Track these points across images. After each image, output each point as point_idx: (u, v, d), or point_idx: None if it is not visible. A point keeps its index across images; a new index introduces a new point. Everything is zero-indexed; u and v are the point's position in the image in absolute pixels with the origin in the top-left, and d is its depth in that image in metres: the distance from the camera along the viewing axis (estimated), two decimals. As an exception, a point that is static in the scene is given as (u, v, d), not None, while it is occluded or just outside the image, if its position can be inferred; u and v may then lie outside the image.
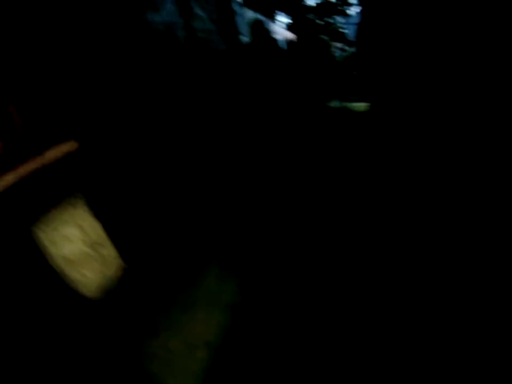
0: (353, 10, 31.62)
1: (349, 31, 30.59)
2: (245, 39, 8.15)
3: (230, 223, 2.90)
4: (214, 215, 3.15)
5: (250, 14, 8.53)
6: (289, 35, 13.15)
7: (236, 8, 7.61)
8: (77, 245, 1.99)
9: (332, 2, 30.56)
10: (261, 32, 5.41)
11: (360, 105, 7.99)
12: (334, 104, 8.85)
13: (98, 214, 2.26)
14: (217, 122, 5.57)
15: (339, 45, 16.68)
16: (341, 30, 33.47)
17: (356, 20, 29.38)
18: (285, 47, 8.12)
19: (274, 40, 5.62)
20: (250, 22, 6.17)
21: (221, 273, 2.13)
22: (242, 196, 3.56)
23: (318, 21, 29.21)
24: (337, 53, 10.53)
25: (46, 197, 1.89)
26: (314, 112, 7.48)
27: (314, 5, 30.08)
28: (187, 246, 2.60)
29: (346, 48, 10.56)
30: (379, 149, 4.08)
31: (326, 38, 7.95)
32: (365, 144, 4.58)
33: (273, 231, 2.52)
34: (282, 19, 31.02)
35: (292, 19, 28.02)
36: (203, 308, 1.92)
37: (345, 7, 31.31)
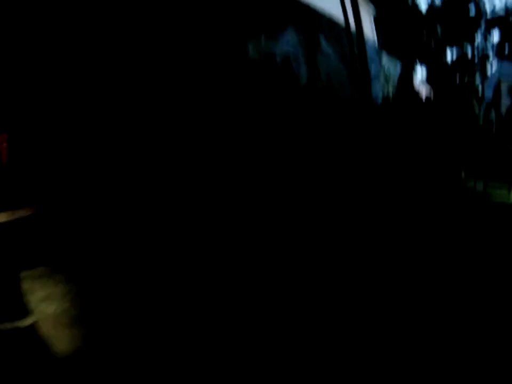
0: (491, 70, 27.00)
1: (486, 94, 26.04)
2: (377, 86, 6.52)
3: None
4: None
5: (387, 60, 7.00)
6: (425, 88, 11.14)
7: (370, 50, 6.16)
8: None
9: (469, 60, 26.99)
10: (408, 85, 4.14)
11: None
12: (478, 186, 6.42)
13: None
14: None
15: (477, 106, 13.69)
16: (478, 91, 29.17)
17: (493, 81, 24.88)
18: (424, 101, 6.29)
19: (419, 96, 4.15)
20: (396, 72, 4.78)
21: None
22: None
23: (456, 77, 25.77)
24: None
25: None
26: (450, 196, 5.16)
27: (452, 60, 26.87)
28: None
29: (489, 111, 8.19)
30: None
31: (468, 96, 5.97)
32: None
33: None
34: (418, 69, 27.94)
35: (428, 71, 25.33)
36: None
37: (483, 65, 27.13)
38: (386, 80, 6.46)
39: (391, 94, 6.73)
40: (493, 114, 9.19)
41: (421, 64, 24.80)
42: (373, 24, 13.78)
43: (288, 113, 3.46)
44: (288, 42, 3.79)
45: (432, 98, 8.38)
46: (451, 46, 25.73)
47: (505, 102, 20.95)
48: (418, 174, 5.58)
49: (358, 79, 4.99)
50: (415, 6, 24.95)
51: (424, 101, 7.09)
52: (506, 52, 25.33)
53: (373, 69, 6.06)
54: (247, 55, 3.14)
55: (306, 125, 3.77)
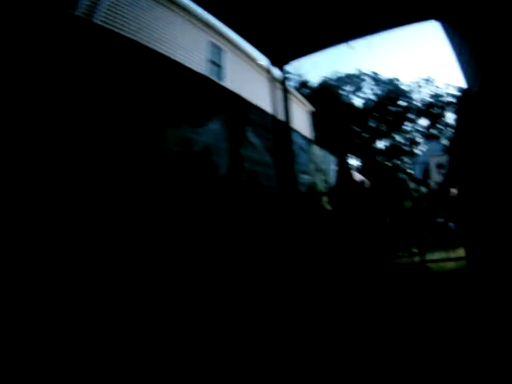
0: (420, 150, 31.93)
1: (416, 171, 30.03)
2: (306, 177, 6.72)
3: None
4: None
5: (318, 152, 7.47)
6: (360, 177, 12.20)
7: (302, 142, 6.57)
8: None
9: (399, 145, 31.68)
10: (346, 172, 5.13)
11: (448, 263, 5.48)
12: (415, 258, 6.55)
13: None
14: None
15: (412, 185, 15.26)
16: (409, 170, 33.49)
17: (422, 159, 29.10)
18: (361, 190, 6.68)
19: (358, 183, 4.54)
20: (328, 164, 5.17)
21: None
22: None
23: (387, 163, 29.52)
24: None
25: None
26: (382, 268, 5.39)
27: (383, 147, 31.23)
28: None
29: (420, 188, 9.15)
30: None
31: (404, 177, 6.71)
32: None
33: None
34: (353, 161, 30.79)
35: (362, 161, 28.62)
36: None
37: (412, 147, 31.97)
38: (317, 170, 6.85)
39: (321, 184, 7.03)
40: (423, 189, 10.19)
41: (355, 154, 28.30)
42: (308, 119, 15.70)
43: (204, 204, 3.21)
44: (211, 131, 3.72)
45: (366, 182, 8.91)
46: (382, 137, 30.26)
47: (435, 176, 23.84)
48: (355, 255, 5.66)
49: (283, 169, 5.14)
50: (349, 103, 29.81)
51: (359, 185, 7.46)
52: (432, 133, 30.35)
53: (303, 160, 6.42)
54: (163, 145, 2.94)
55: (223, 215, 3.52)
